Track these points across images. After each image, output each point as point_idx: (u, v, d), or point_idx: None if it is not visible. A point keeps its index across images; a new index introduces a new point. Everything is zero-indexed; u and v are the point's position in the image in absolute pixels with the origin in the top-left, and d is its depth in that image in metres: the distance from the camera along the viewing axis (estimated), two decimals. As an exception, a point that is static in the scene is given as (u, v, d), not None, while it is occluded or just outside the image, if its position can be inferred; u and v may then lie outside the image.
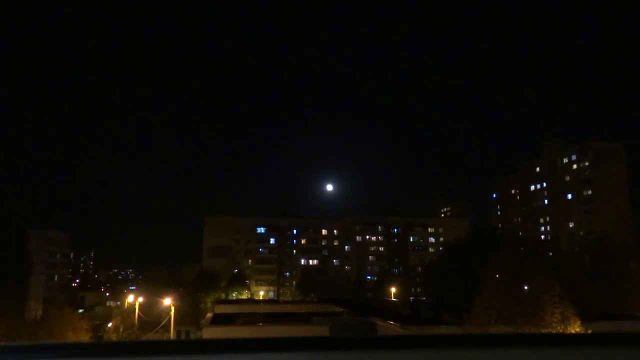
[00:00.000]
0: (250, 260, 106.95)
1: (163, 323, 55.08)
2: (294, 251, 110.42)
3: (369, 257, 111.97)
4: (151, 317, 62.24)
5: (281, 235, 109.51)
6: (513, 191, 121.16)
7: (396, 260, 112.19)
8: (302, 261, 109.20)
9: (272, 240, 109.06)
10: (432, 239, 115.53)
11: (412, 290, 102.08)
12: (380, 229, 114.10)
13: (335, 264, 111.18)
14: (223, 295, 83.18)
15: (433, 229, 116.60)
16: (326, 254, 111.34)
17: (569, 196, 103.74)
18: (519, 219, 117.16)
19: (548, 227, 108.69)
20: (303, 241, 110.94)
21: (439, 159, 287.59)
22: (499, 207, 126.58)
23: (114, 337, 61.15)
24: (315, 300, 78.93)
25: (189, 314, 71.33)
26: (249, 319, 40.26)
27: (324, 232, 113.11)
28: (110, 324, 67.65)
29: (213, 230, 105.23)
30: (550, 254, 79.10)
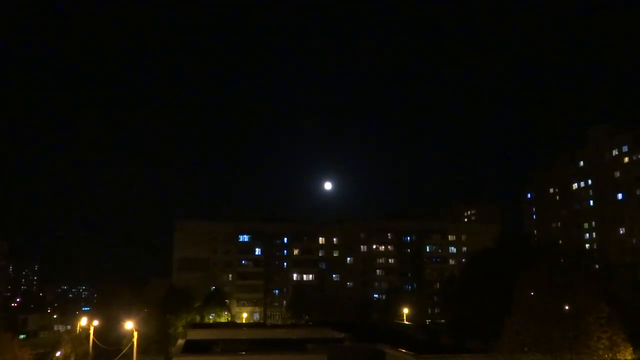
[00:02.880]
0: (230, 275, 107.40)
1: (124, 351, 55.09)
2: (285, 264, 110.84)
3: (376, 271, 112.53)
4: (109, 344, 62.29)
5: (269, 244, 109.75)
6: (551, 190, 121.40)
7: (409, 274, 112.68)
8: (295, 276, 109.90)
9: (257, 251, 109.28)
10: (452, 249, 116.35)
11: (429, 311, 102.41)
12: (389, 237, 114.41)
13: (334, 279, 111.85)
14: (197, 318, 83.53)
15: (454, 237, 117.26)
16: (324, 267, 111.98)
17: (620, 196, 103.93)
18: (559, 223, 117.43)
19: (594, 234, 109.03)
20: (296, 251, 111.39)
21: (460, 153, 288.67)
22: (534, 209, 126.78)
23: (63, 369, 61.01)
24: (310, 323, 79.41)
25: (155, 340, 71.55)
26: (230, 347, 40.34)
27: (321, 240, 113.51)
28: (58, 353, 67.83)
29: (185, 238, 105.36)
30: (597, 266, 79.45)
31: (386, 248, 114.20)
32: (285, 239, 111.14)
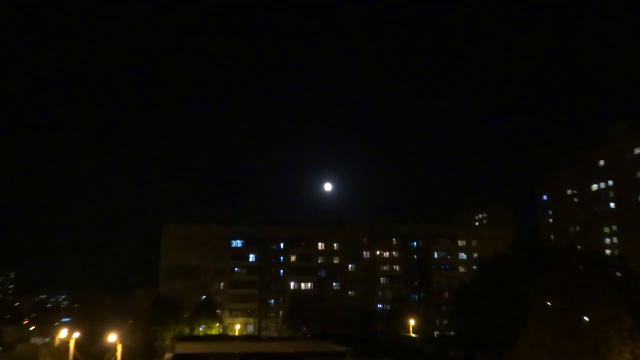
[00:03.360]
0: (222, 284, 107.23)
1: (107, 366, 54.90)
2: (281, 271, 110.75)
3: (379, 279, 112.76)
4: (91, 358, 62.08)
5: (264, 249, 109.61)
6: (569, 192, 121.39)
7: (416, 283, 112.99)
8: (292, 284, 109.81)
9: (251, 257, 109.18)
10: (462, 255, 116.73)
11: (437, 322, 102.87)
12: (394, 242, 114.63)
13: (335, 288, 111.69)
14: (187, 330, 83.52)
15: (464, 242, 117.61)
16: (323, 274, 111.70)
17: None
18: (577, 227, 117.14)
19: (614, 239, 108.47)
20: (293, 258, 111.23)
21: (471, 153, 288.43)
22: (550, 212, 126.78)
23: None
24: (308, 336, 79.33)
25: (141, 354, 71.67)
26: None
27: (320, 245, 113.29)
28: (36, 368, 67.37)
29: (173, 243, 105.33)
30: (618, 274, 79.65)
31: (391, 254, 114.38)
32: (282, 244, 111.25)
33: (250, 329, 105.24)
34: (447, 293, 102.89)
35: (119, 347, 47.30)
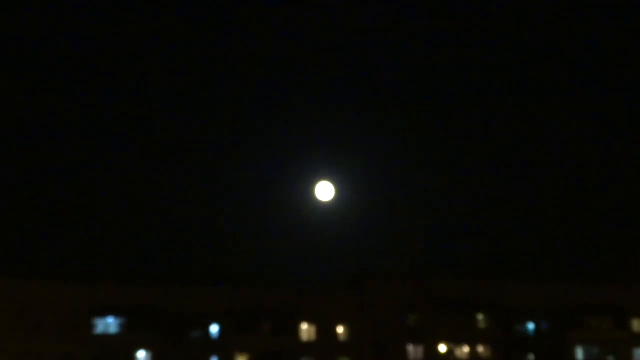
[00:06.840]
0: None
1: None
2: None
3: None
4: None
5: (175, 339, 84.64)
6: None
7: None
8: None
9: (142, 356, 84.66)
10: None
11: None
12: (480, 323, 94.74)
13: None
14: None
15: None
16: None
17: None
18: None
19: None
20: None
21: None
22: None
23: None
24: None
25: None
26: None
27: (305, 331, 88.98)
28: None
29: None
30: None
31: (473, 350, 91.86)
32: (216, 327, 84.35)
33: None
34: None
35: None
